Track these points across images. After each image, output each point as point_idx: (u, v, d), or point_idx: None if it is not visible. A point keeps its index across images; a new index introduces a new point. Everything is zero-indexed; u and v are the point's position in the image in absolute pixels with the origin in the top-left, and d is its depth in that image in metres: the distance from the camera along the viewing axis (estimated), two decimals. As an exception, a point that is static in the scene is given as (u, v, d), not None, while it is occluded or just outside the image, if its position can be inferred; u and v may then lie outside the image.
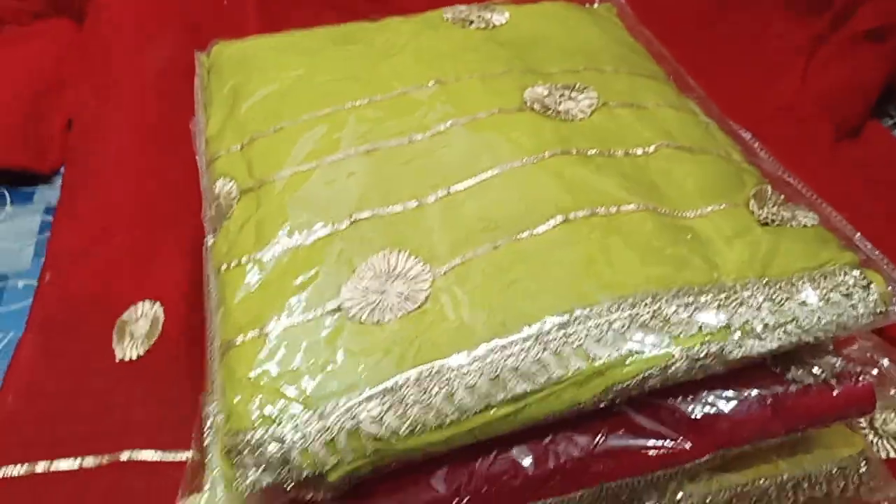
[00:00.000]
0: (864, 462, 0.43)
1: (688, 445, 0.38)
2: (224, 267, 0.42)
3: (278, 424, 0.34)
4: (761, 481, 0.41)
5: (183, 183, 0.72)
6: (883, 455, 0.50)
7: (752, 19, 0.84)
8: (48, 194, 0.84)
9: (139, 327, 0.60)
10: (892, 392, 0.40)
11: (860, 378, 0.39)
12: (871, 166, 0.70)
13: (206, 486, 0.49)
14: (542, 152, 0.43)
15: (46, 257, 0.70)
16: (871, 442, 0.50)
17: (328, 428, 0.34)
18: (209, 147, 0.49)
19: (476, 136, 0.45)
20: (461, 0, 0.59)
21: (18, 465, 0.53)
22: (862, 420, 0.49)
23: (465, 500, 0.37)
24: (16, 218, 0.82)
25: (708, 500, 0.41)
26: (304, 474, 0.34)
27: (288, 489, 0.34)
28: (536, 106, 0.47)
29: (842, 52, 0.79)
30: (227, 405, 0.36)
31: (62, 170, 0.86)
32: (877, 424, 0.52)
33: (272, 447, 0.34)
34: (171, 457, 0.54)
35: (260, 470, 0.34)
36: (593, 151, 0.44)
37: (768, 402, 0.38)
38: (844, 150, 0.72)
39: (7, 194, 0.84)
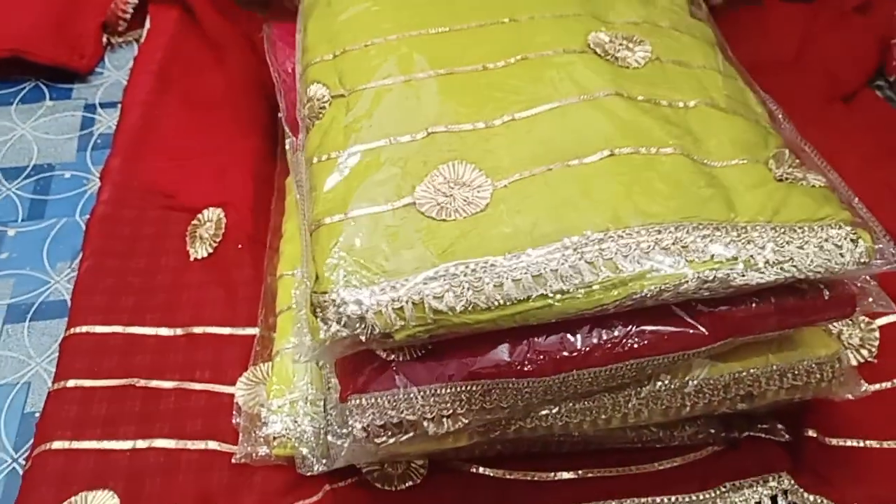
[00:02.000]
0: (837, 361, 0.51)
1: (705, 332, 0.45)
2: (316, 160, 0.49)
3: (358, 290, 0.42)
4: (754, 370, 0.50)
5: (244, 98, 0.78)
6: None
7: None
8: (85, 92, 0.87)
9: (206, 230, 0.69)
10: (869, 300, 0.47)
11: (845, 288, 0.47)
12: (859, 128, 0.77)
13: (276, 357, 0.57)
14: (597, 92, 0.50)
15: (115, 143, 0.76)
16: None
17: (398, 298, 0.42)
18: (305, 55, 0.56)
19: (541, 72, 0.51)
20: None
21: (98, 326, 0.62)
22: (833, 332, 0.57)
23: (524, 366, 0.45)
24: (56, 112, 0.84)
25: (711, 382, 0.49)
26: (376, 332, 0.42)
27: (363, 341, 0.42)
28: (598, 50, 0.53)
29: (835, 25, 0.86)
30: (315, 271, 0.44)
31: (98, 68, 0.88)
32: (843, 337, 0.62)
33: (352, 307, 0.42)
34: (240, 332, 0.62)
35: (340, 324, 0.42)
36: (641, 98, 0.50)
37: (772, 301, 0.46)
38: (836, 108, 0.79)
39: (45, 89, 0.87)
